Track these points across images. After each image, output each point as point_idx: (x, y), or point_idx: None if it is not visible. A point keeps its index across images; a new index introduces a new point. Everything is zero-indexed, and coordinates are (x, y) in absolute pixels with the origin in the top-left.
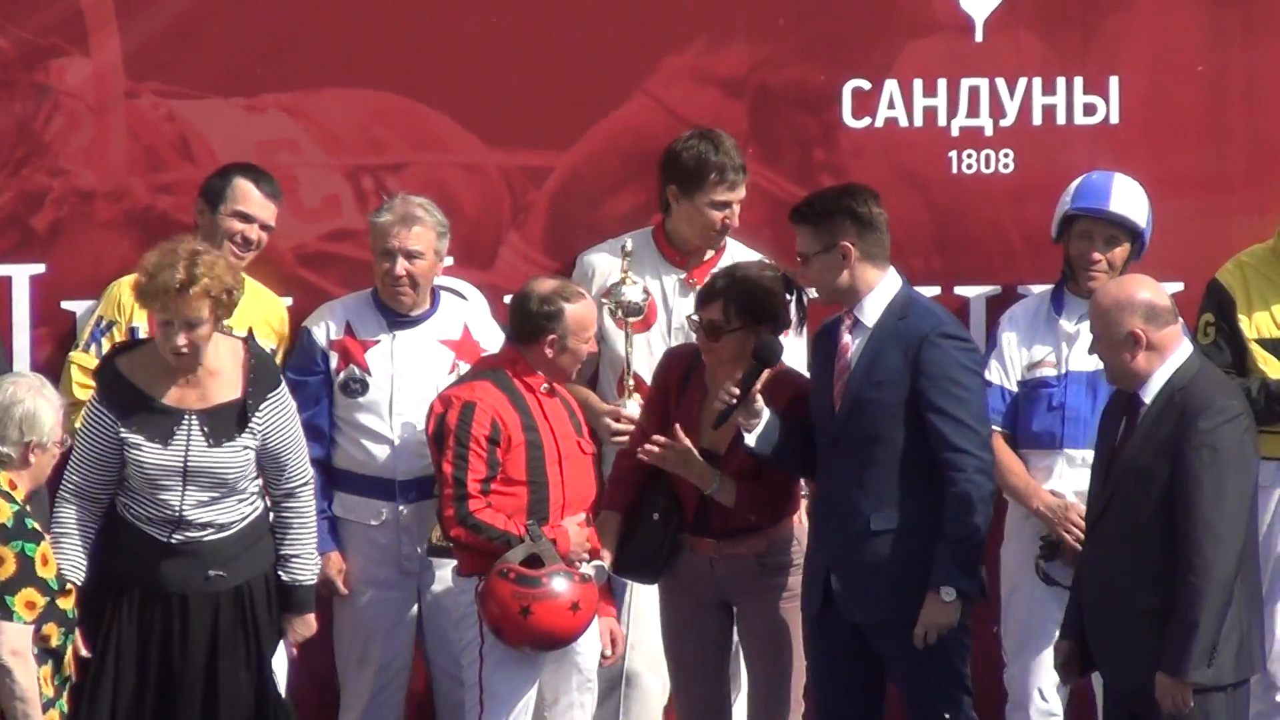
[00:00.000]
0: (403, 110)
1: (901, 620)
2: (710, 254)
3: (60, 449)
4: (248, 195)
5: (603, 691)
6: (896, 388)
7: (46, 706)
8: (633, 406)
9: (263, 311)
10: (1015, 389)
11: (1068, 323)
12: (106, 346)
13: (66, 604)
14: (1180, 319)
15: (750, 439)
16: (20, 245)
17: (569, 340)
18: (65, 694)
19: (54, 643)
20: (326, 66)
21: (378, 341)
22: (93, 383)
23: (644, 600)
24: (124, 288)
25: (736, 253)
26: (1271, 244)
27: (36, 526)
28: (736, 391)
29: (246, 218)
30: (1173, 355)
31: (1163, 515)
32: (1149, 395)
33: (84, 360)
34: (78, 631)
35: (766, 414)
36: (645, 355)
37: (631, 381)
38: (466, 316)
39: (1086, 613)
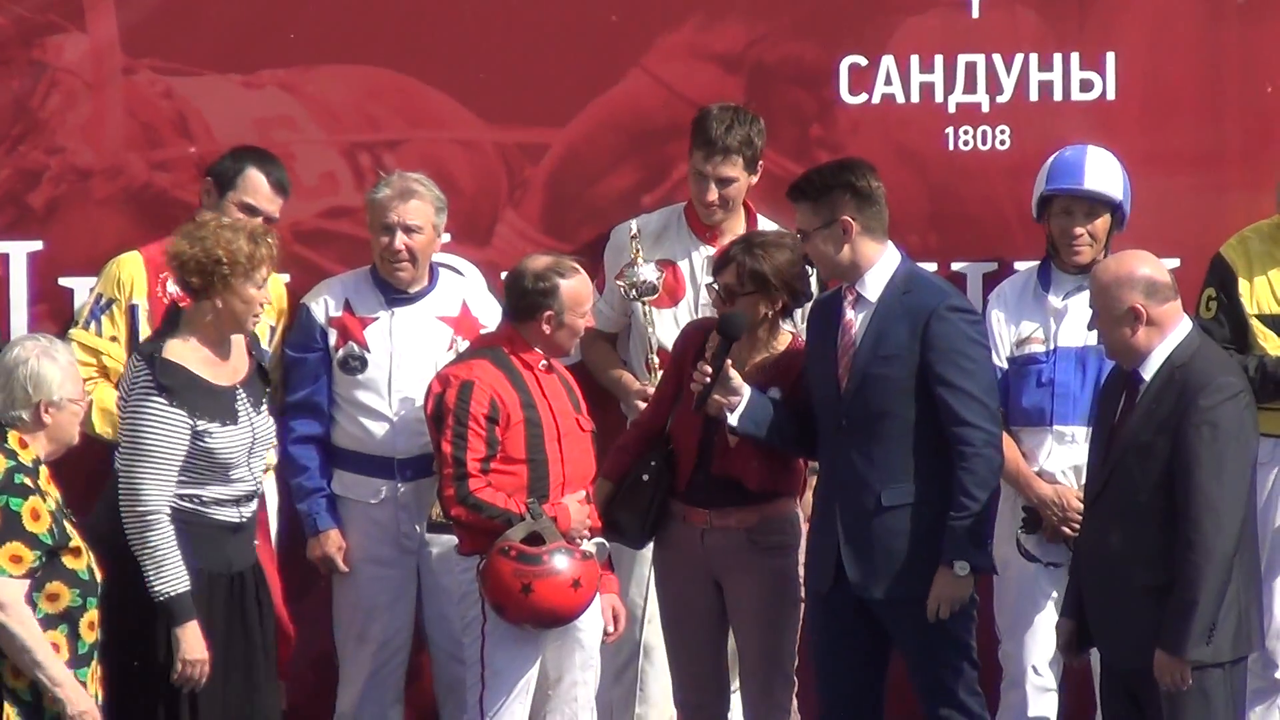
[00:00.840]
0: (400, 87)
1: (914, 595)
2: (740, 232)
3: (81, 406)
4: (258, 189)
5: (621, 664)
6: (905, 362)
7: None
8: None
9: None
10: (1005, 365)
11: (1055, 299)
12: (106, 324)
13: (76, 564)
14: (1179, 295)
15: (733, 418)
16: (18, 222)
17: (565, 315)
18: (95, 661)
19: (65, 603)
20: (324, 43)
21: (376, 318)
22: (93, 360)
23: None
24: (123, 265)
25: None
26: (1275, 219)
27: (27, 482)
28: (709, 370)
29: (253, 210)
30: (1173, 331)
31: (1162, 493)
32: (1148, 372)
33: (83, 337)
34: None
35: (747, 391)
36: (673, 331)
37: (656, 359)
38: (465, 293)
39: (1085, 590)
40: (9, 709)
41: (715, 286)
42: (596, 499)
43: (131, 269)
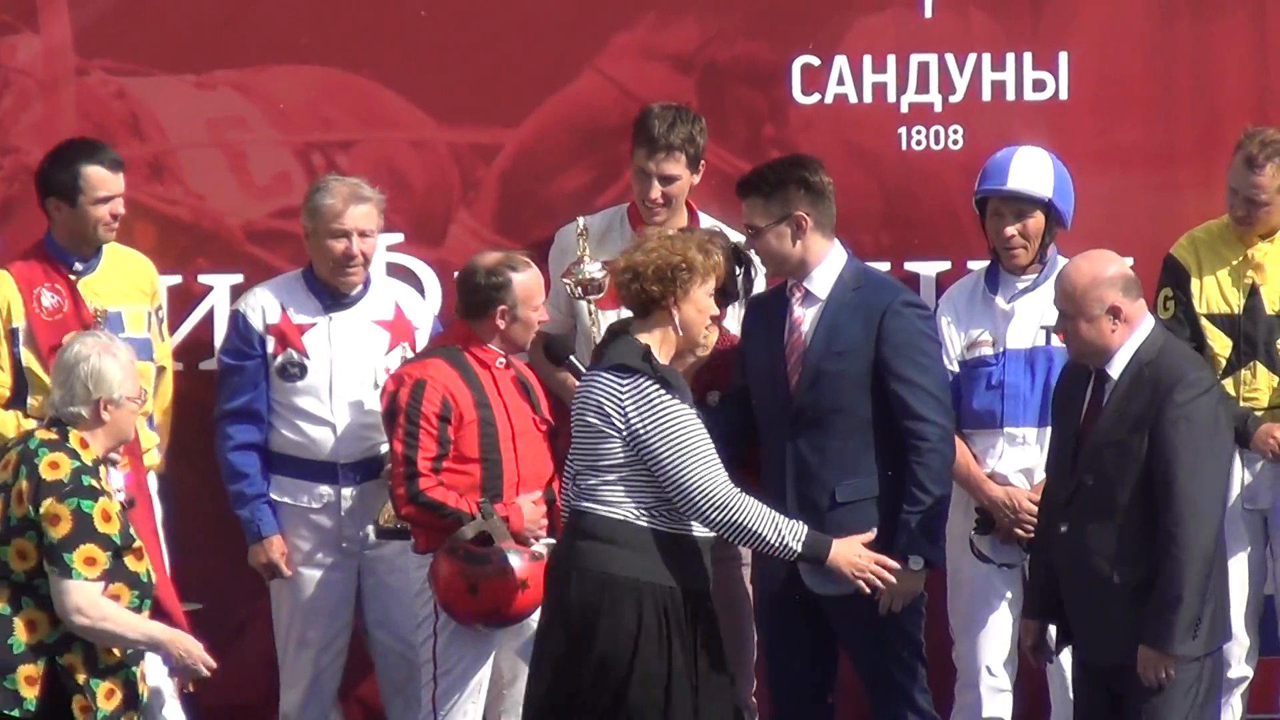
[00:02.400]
0: (352, 87)
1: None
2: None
3: (139, 405)
4: (102, 180)
5: None
6: (859, 357)
7: (108, 673)
8: None
9: (133, 276)
10: (956, 369)
11: (1002, 301)
12: None
13: (138, 566)
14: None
15: None
16: None
17: (519, 310)
18: (143, 666)
19: (124, 603)
20: (276, 43)
21: (314, 324)
22: None
23: None
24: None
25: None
26: (1224, 219)
27: (94, 484)
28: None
29: (108, 198)
30: (1139, 328)
31: (1140, 490)
32: (1115, 370)
33: None
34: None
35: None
36: None
37: None
38: (397, 296)
39: (1064, 591)
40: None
41: None
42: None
43: (6, 292)
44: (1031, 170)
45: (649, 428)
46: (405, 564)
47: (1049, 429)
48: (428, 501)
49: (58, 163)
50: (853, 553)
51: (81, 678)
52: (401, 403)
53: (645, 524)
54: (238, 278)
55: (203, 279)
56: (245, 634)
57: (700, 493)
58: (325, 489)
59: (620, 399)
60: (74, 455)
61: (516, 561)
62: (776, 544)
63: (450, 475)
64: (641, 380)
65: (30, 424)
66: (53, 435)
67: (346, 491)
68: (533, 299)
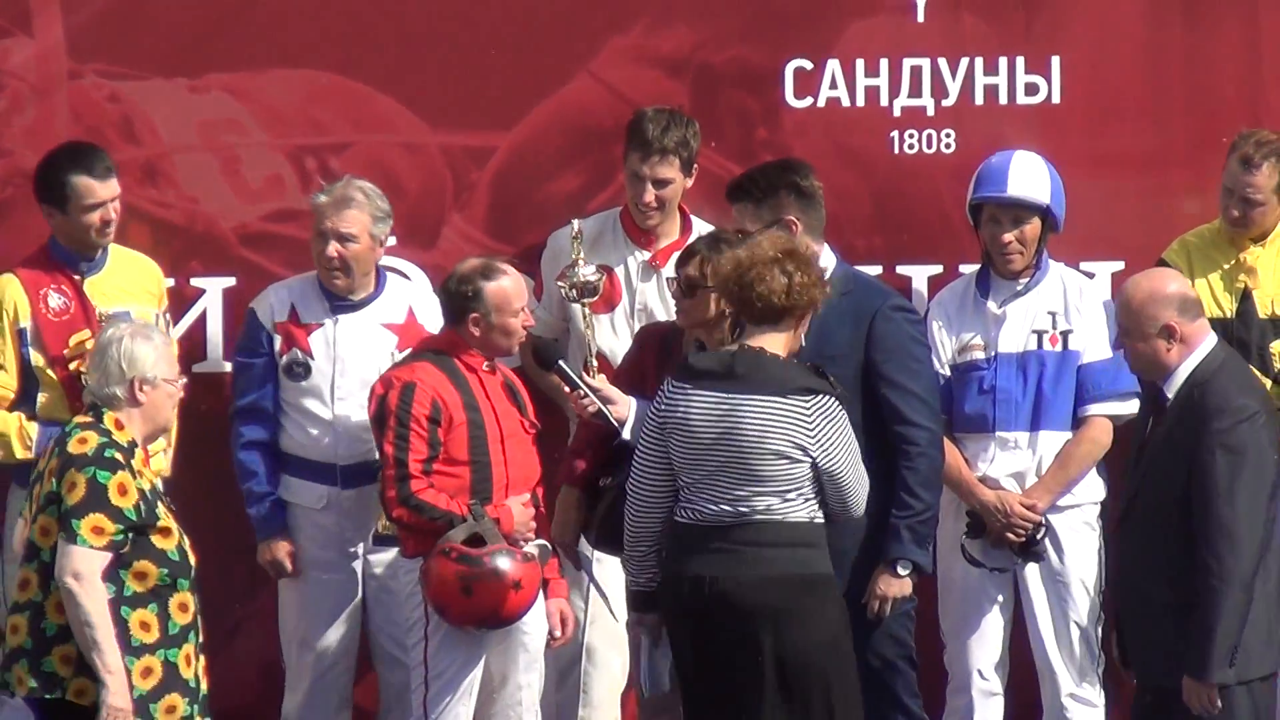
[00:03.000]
0: (345, 91)
1: (856, 594)
2: (675, 236)
3: (178, 390)
4: (90, 189)
5: (564, 668)
6: (848, 362)
7: (143, 651)
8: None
9: (140, 279)
10: (947, 373)
11: (994, 305)
12: None
13: (165, 543)
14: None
15: (625, 432)
16: None
17: (494, 317)
18: (190, 645)
19: (153, 581)
20: (270, 47)
21: (320, 325)
22: None
23: (604, 575)
24: (4, 289)
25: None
26: (1216, 224)
27: (118, 458)
28: (582, 396)
29: (99, 204)
30: (1198, 349)
31: (1182, 511)
32: (1172, 390)
33: None
34: None
35: (632, 402)
36: (610, 337)
37: (595, 363)
38: (411, 300)
39: (1119, 606)
40: (88, 684)
41: (677, 278)
42: (566, 509)
43: (13, 293)
44: (1030, 176)
45: (833, 442)
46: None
47: (1040, 433)
48: (419, 503)
49: (47, 170)
50: None
51: None
52: (391, 405)
53: (818, 520)
54: (230, 281)
55: (195, 282)
56: (239, 635)
57: (862, 497)
58: (325, 489)
59: (809, 425)
60: (105, 434)
61: (509, 563)
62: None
63: (439, 478)
64: (824, 399)
65: (33, 426)
66: (88, 419)
67: (345, 493)
68: (507, 306)
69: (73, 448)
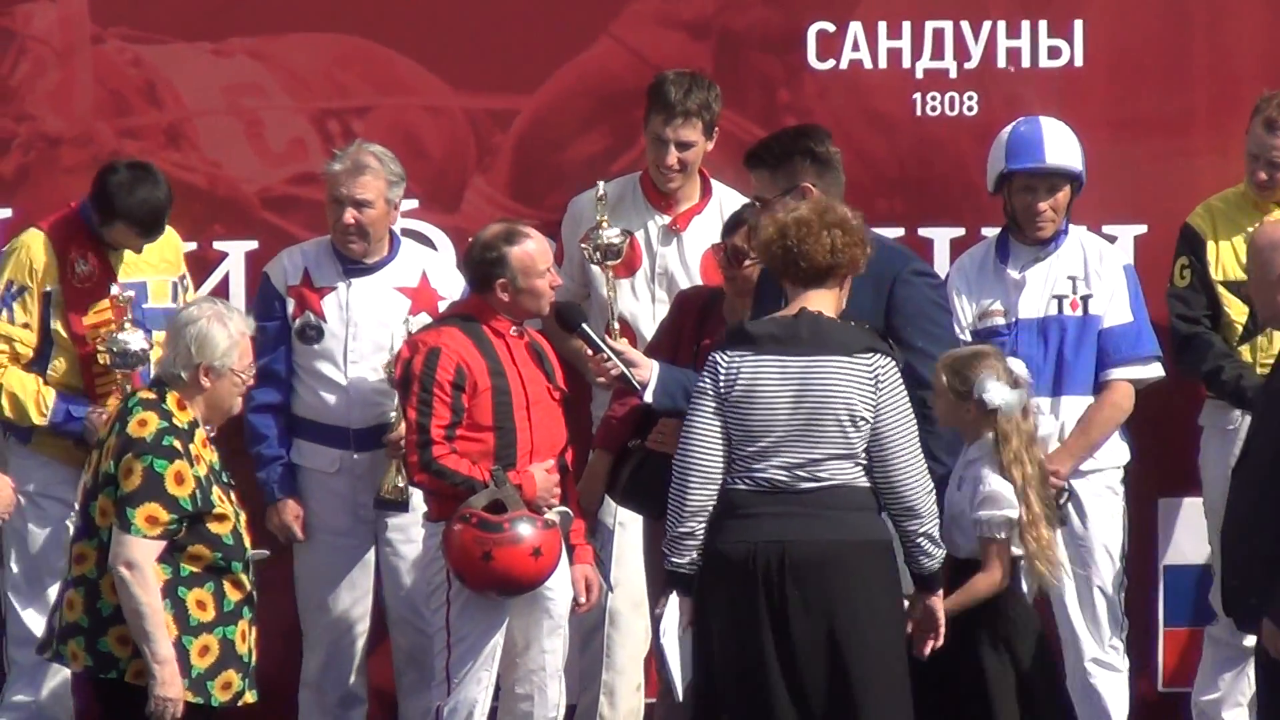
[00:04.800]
0: (368, 54)
1: None
2: (695, 200)
3: (245, 380)
4: (122, 241)
5: (587, 633)
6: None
7: (201, 630)
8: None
9: (159, 248)
10: (968, 338)
11: (1014, 271)
12: (18, 311)
13: (220, 529)
14: None
15: (646, 395)
16: None
17: (520, 281)
18: (244, 621)
19: (207, 561)
20: (292, 10)
21: (333, 289)
22: (5, 347)
23: (627, 540)
24: (31, 251)
25: (725, 198)
26: (1241, 188)
27: (176, 445)
28: (605, 360)
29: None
30: None
31: None
32: None
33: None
34: None
35: (654, 365)
36: (630, 301)
37: (617, 325)
38: (425, 264)
39: (1227, 554)
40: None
41: (724, 247)
42: (595, 474)
43: (43, 254)
44: (1064, 144)
45: (890, 406)
46: (419, 534)
47: (1063, 398)
48: (440, 469)
49: (110, 194)
50: None
51: (173, 634)
52: (416, 370)
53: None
54: (253, 244)
55: (218, 245)
56: (260, 600)
57: (923, 469)
58: (338, 454)
59: (872, 383)
60: (166, 416)
61: (529, 529)
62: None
63: (463, 443)
64: (885, 360)
65: (50, 393)
66: (151, 395)
67: (358, 457)
68: (533, 269)
69: (133, 430)
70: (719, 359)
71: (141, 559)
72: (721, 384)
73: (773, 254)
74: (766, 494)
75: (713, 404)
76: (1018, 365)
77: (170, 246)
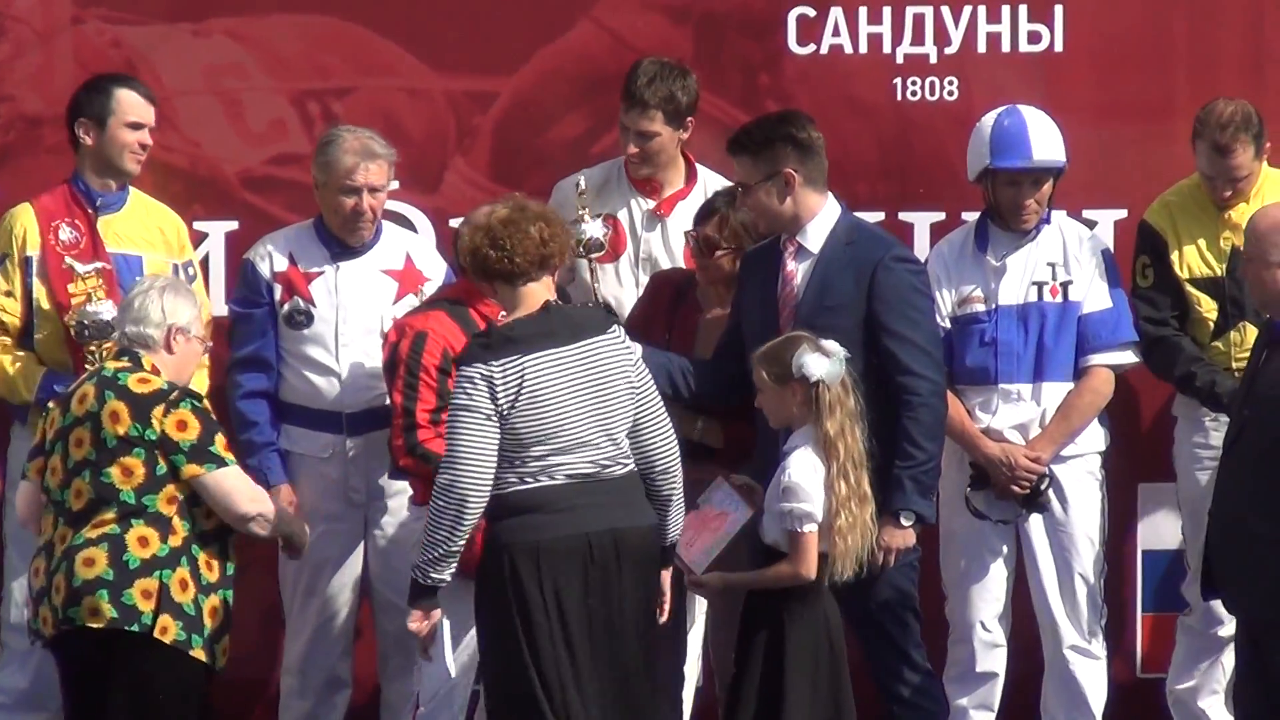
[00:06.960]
0: (349, 35)
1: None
2: (680, 185)
3: (205, 350)
4: (134, 104)
5: None
6: (850, 312)
7: (210, 589)
8: None
9: (158, 226)
10: (948, 325)
11: (993, 258)
12: (0, 280)
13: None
14: None
15: None
16: None
17: None
18: (231, 594)
19: (216, 522)
20: None
21: (321, 273)
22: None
23: None
24: (16, 218)
25: (710, 183)
26: (1194, 180)
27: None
28: None
29: (138, 125)
30: None
31: None
32: None
33: None
34: None
35: (638, 349)
36: (614, 286)
37: None
38: (409, 246)
39: (1213, 535)
40: (170, 622)
41: (694, 235)
42: None
43: (25, 221)
44: (1049, 137)
45: (643, 370)
46: (407, 517)
47: (1044, 384)
48: (425, 453)
49: (92, 88)
50: None
51: (191, 593)
52: (402, 354)
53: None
54: (233, 225)
55: (199, 225)
56: (239, 583)
57: (672, 431)
58: (331, 438)
59: (630, 357)
60: (156, 373)
61: None
62: None
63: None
64: (620, 328)
65: (39, 371)
66: (126, 364)
67: (351, 441)
68: None
69: (138, 388)
70: (487, 370)
71: (248, 487)
72: (500, 394)
73: (486, 257)
74: (578, 486)
75: (485, 418)
76: (830, 343)
77: (171, 228)
